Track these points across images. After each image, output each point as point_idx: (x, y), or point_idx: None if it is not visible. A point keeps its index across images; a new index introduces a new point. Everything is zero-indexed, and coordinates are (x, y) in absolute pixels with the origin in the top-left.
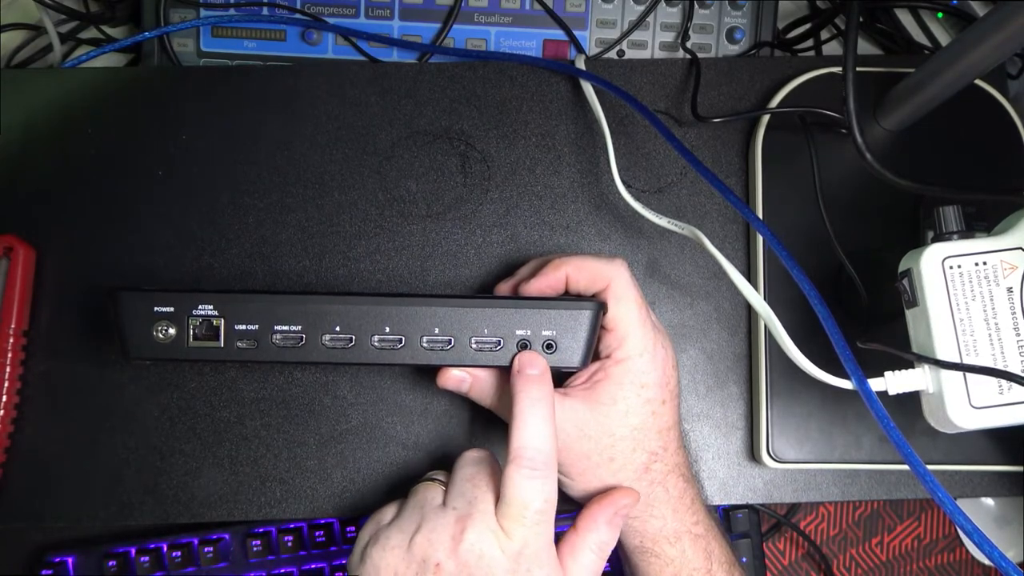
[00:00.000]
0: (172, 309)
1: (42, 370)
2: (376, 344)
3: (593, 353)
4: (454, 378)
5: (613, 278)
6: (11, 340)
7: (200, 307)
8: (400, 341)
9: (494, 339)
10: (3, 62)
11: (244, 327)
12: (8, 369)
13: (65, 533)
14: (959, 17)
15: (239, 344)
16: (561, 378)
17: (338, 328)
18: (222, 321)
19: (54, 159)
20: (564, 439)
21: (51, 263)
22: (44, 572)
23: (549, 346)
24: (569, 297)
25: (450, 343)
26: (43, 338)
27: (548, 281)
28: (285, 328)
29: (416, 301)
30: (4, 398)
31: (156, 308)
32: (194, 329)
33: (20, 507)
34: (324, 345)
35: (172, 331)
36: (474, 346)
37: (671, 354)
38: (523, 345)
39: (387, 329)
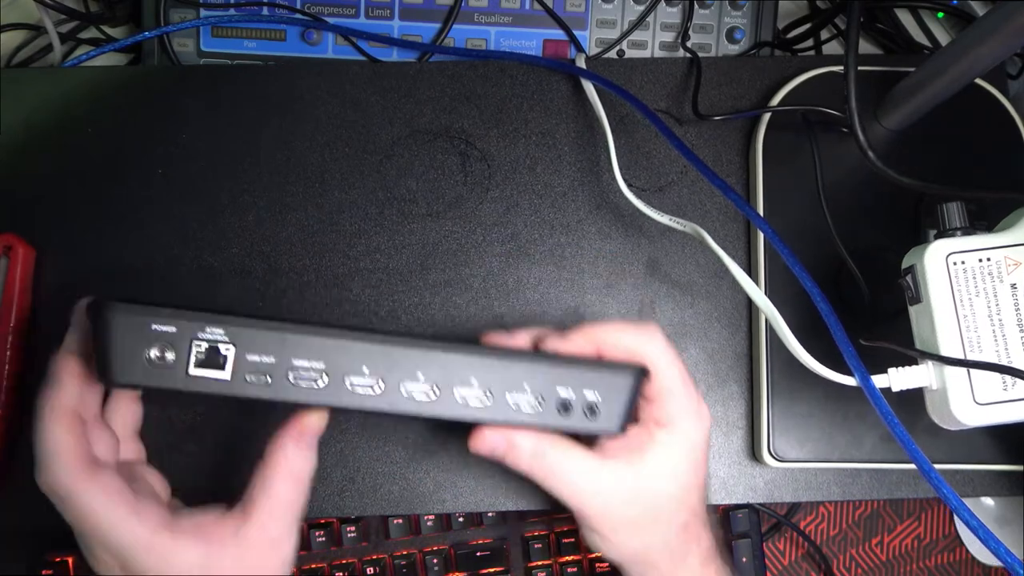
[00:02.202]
0: (174, 330)
1: (42, 370)
2: (405, 393)
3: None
4: (490, 441)
5: (651, 352)
6: (11, 339)
7: (208, 330)
8: (434, 391)
9: (535, 397)
10: (3, 62)
11: (258, 358)
12: (8, 368)
13: (65, 533)
14: (959, 17)
15: (249, 378)
16: (590, 440)
17: (365, 369)
18: (232, 349)
19: (54, 159)
20: (607, 506)
21: (51, 263)
22: (44, 572)
23: (592, 409)
24: (610, 360)
25: (488, 398)
26: (43, 338)
27: (580, 347)
28: (305, 363)
29: (454, 347)
30: (3, 397)
31: (154, 326)
32: (197, 355)
33: (20, 507)
34: (347, 388)
35: (171, 356)
36: (512, 403)
37: (705, 407)
38: (564, 406)
39: (420, 377)
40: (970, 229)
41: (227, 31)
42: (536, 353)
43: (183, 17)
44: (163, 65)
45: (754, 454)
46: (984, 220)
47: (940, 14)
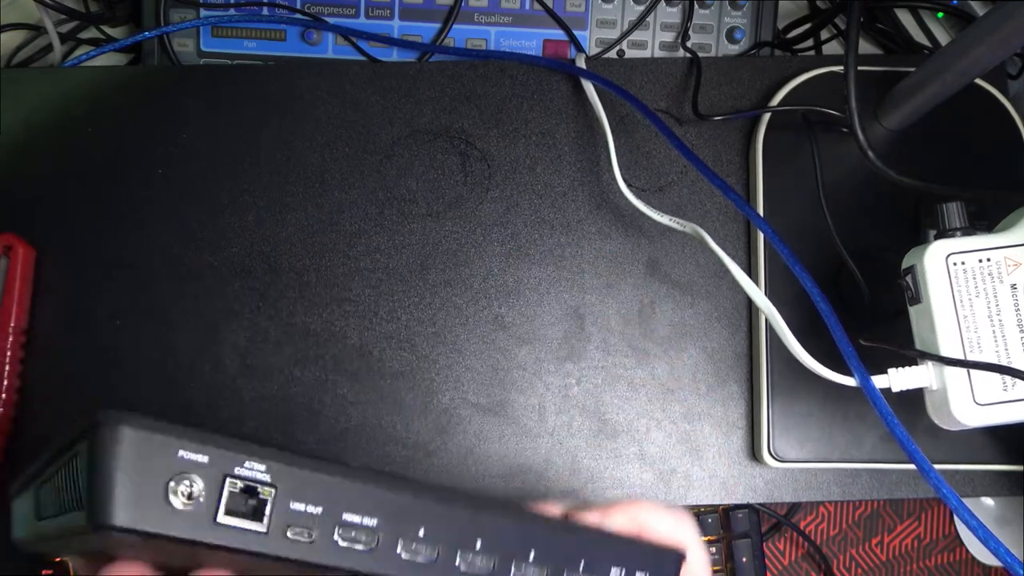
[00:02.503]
0: (206, 460)
1: (42, 370)
2: (462, 564)
3: None
4: None
5: (687, 538)
6: (11, 339)
7: (247, 464)
8: (490, 564)
9: None
10: (3, 62)
11: (303, 508)
12: (8, 368)
13: None
14: (959, 17)
15: (291, 534)
16: None
17: (422, 533)
18: (273, 493)
19: (54, 159)
20: None
21: (51, 262)
22: (44, 572)
23: None
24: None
25: (545, 574)
26: (43, 337)
27: (621, 524)
28: (357, 520)
29: (517, 516)
30: (3, 396)
31: (183, 454)
32: (230, 496)
33: None
34: (397, 553)
35: (201, 494)
36: None
37: None
38: None
39: (479, 545)
40: (970, 229)
41: (227, 31)
42: (588, 528)
43: (183, 17)
44: (163, 65)
45: (754, 454)
46: (984, 220)
47: (940, 14)
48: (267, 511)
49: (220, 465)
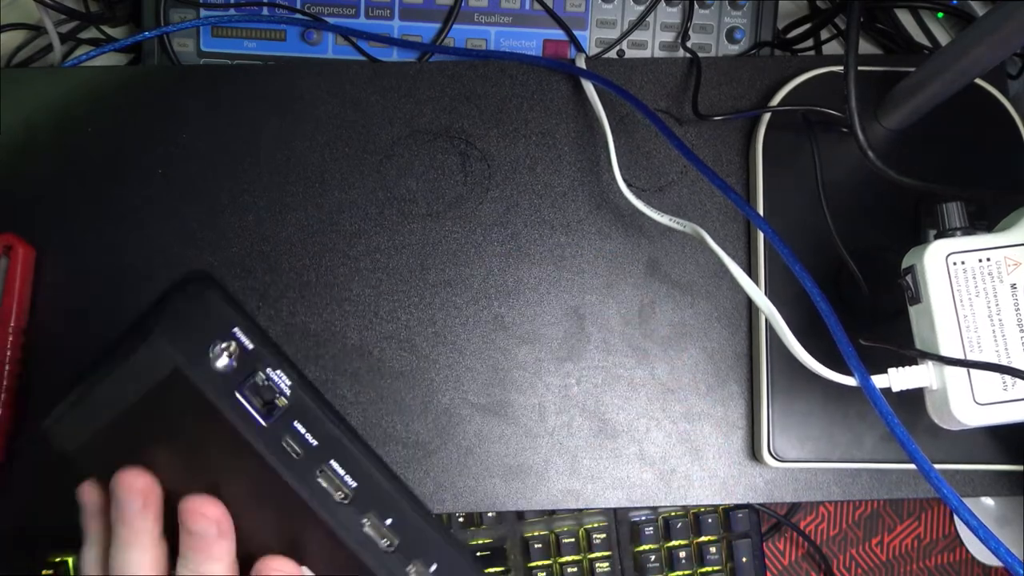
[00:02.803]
0: (250, 347)
1: (42, 370)
2: (412, 574)
3: None
4: None
5: None
6: (11, 339)
7: (278, 372)
8: None
9: None
10: (3, 62)
11: (302, 432)
12: (8, 368)
13: (65, 533)
14: (959, 17)
15: (285, 444)
16: None
17: (389, 523)
18: (283, 405)
19: (54, 159)
20: None
21: (51, 263)
22: (44, 572)
23: None
24: None
25: None
26: (43, 337)
27: None
28: (340, 474)
29: (466, 556)
30: (3, 396)
31: (237, 331)
32: (250, 386)
33: (20, 507)
34: (360, 525)
35: (232, 366)
36: None
37: None
38: None
39: (433, 569)
40: (970, 229)
41: (227, 31)
42: None
43: (183, 17)
44: (163, 65)
45: (754, 454)
46: (984, 220)
47: (940, 14)
48: (275, 414)
49: (258, 358)
